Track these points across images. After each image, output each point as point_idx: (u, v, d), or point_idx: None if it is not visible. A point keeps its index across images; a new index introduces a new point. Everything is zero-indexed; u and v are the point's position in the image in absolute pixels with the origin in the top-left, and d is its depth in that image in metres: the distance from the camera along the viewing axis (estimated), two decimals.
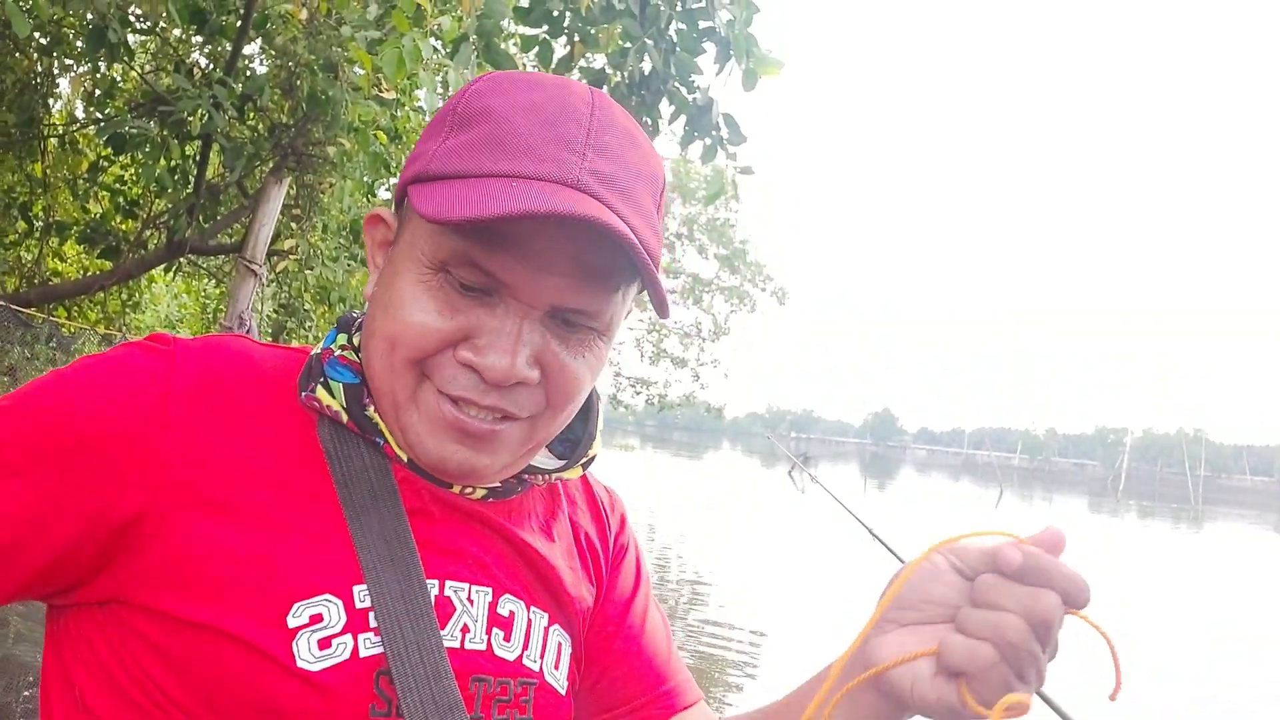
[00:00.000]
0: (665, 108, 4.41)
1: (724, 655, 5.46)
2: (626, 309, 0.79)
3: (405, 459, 0.80)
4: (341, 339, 0.84)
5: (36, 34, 5.40)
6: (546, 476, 0.88)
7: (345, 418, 0.79)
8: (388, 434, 0.79)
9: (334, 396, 0.79)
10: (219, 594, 0.70)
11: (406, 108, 4.21)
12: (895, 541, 2.64)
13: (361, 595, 0.74)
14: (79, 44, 5.19)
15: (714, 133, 4.40)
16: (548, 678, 0.84)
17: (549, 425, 0.79)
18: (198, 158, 5.24)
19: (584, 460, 0.91)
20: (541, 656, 0.84)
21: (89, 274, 6.87)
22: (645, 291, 0.79)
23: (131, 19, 5.08)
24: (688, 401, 28.23)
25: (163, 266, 5.99)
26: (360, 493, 0.77)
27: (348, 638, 0.72)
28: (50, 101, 6.16)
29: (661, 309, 0.74)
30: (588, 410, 0.91)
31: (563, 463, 0.90)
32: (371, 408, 0.79)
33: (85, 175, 6.82)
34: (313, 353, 0.84)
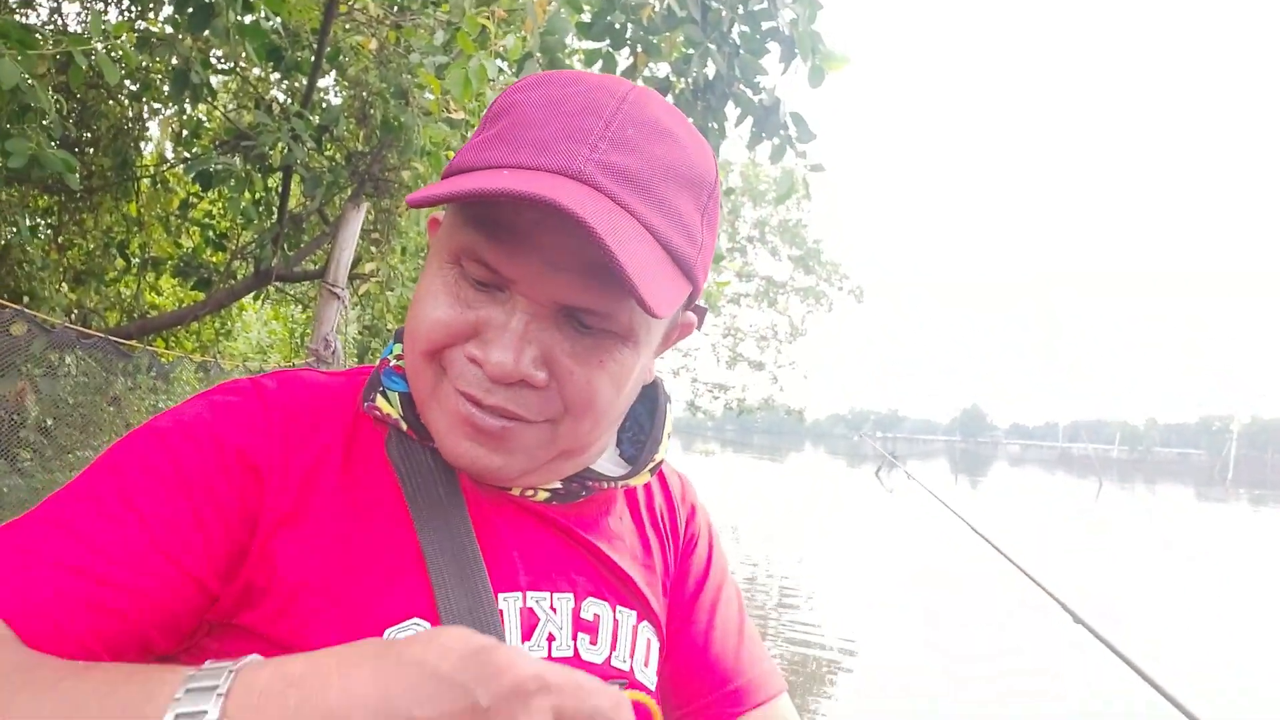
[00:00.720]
0: (731, 110, 4.38)
1: (816, 658, 5.37)
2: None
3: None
4: (398, 349, 0.82)
5: (126, 81, 5.68)
6: (612, 483, 0.85)
7: (404, 425, 0.78)
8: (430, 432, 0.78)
9: (392, 405, 0.79)
10: (317, 628, 0.70)
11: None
12: (992, 533, 2.54)
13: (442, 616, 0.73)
14: (165, 88, 5.43)
15: (782, 132, 4.34)
16: (638, 676, 0.83)
17: (573, 432, 0.75)
18: (280, 189, 5.43)
19: (650, 466, 0.88)
20: (631, 656, 0.83)
21: (184, 305, 7.18)
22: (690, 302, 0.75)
23: (213, 61, 5.29)
24: (767, 405, 27.97)
25: (252, 295, 6.22)
26: (430, 507, 0.76)
27: None
28: (141, 144, 6.46)
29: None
30: (654, 411, 0.88)
31: (628, 469, 0.87)
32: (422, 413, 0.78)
33: (177, 212, 7.14)
34: (375, 367, 0.83)
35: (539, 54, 3.66)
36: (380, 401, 0.79)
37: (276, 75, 5.67)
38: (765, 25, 4.20)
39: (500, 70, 3.80)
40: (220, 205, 7.15)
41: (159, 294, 8.21)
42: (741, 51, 4.22)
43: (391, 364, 0.81)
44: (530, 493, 0.81)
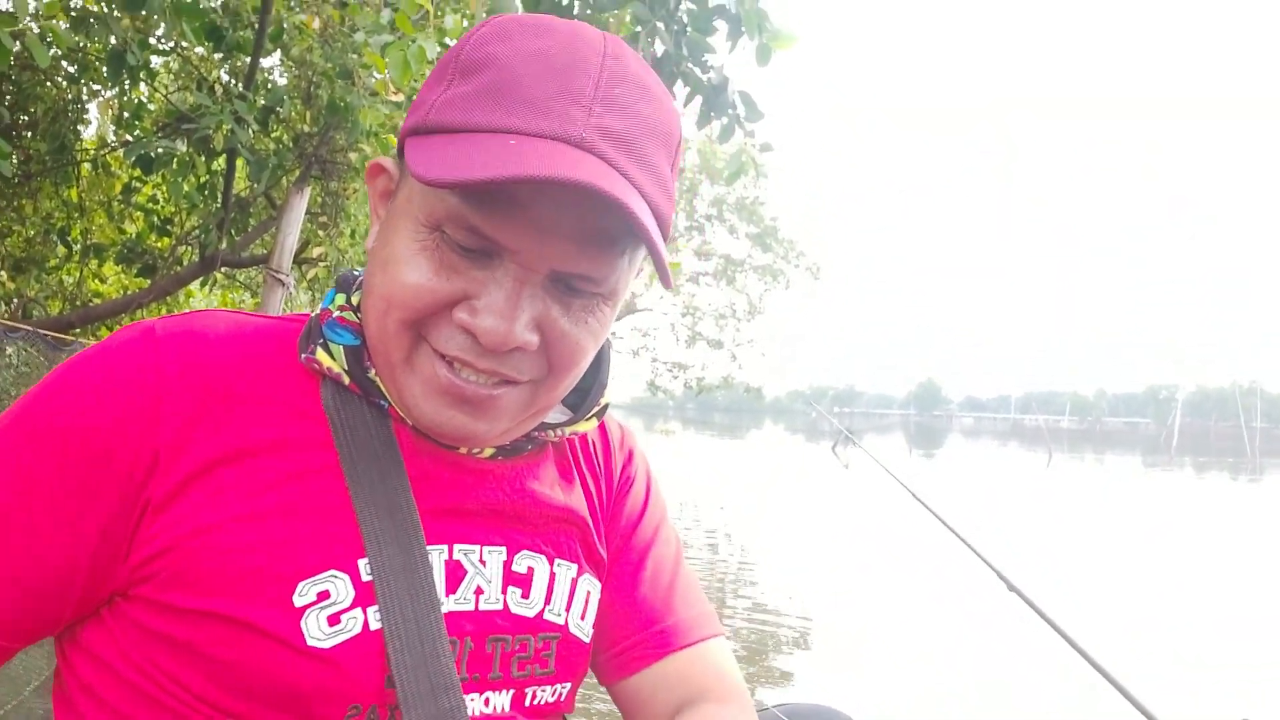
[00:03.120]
0: (680, 89, 4.39)
1: (775, 633, 5.46)
2: (634, 272, 0.75)
3: (410, 420, 0.77)
4: (340, 299, 0.81)
5: (64, 62, 5.52)
6: (558, 431, 0.85)
7: (347, 380, 0.76)
8: (390, 396, 0.77)
9: (334, 358, 0.77)
10: (224, 580, 0.69)
11: None
12: (940, 506, 2.60)
13: (367, 569, 0.72)
14: (104, 69, 5.29)
15: (730, 111, 4.36)
16: (573, 629, 0.82)
17: (552, 391, 0.76)
18: (225, 172, 5.34)
19: (595, 411, 0.88)
20: (568, 609, 0.82)
21: (128, 293, 7.03)
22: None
23: (152, 41, 5.17)
24: (726, 383, 28.14)
25: (199, 281, 6.11)
26: (364, 461, 0.74)
27: (357, 612, 0.71)
28: (81, 127, 6.29)
29: (664, 278, 0.69)
30: (599, 359, 0.87)
31: (572, 415, 0.86)
32: (373, 370, 0.77)
33: (119, 197, 6.97)
34: (312, 315, 0.81)
35: None
36: (321, 354, 0.77)
37: (219, 55, 5.56)
38: (712, 3, 4.21)
39: (441, 49, 3.77)
40: (164, 190, 7.00)
41: (102, 281, 8.02)
42: (689, 29, 4.22)
43: (335, 315, 0.79)
44: (476, 450, 0.80)
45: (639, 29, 4.17)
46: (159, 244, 6.74)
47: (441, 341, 0.71)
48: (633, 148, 0.69)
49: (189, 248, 6.31)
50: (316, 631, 0.69)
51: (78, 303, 6.84)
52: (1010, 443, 46.78)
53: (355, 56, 4.48)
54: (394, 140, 4.39)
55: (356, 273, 0.83)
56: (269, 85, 5.41)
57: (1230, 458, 37.17)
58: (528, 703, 0.79)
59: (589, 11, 4.22)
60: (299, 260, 5.85)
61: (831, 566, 8.03)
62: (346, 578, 0.71)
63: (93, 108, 6.54)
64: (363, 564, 0.72)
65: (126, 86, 5.57)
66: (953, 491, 15.85)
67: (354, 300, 0.80)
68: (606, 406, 0.89)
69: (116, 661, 0.72)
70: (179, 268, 6.11)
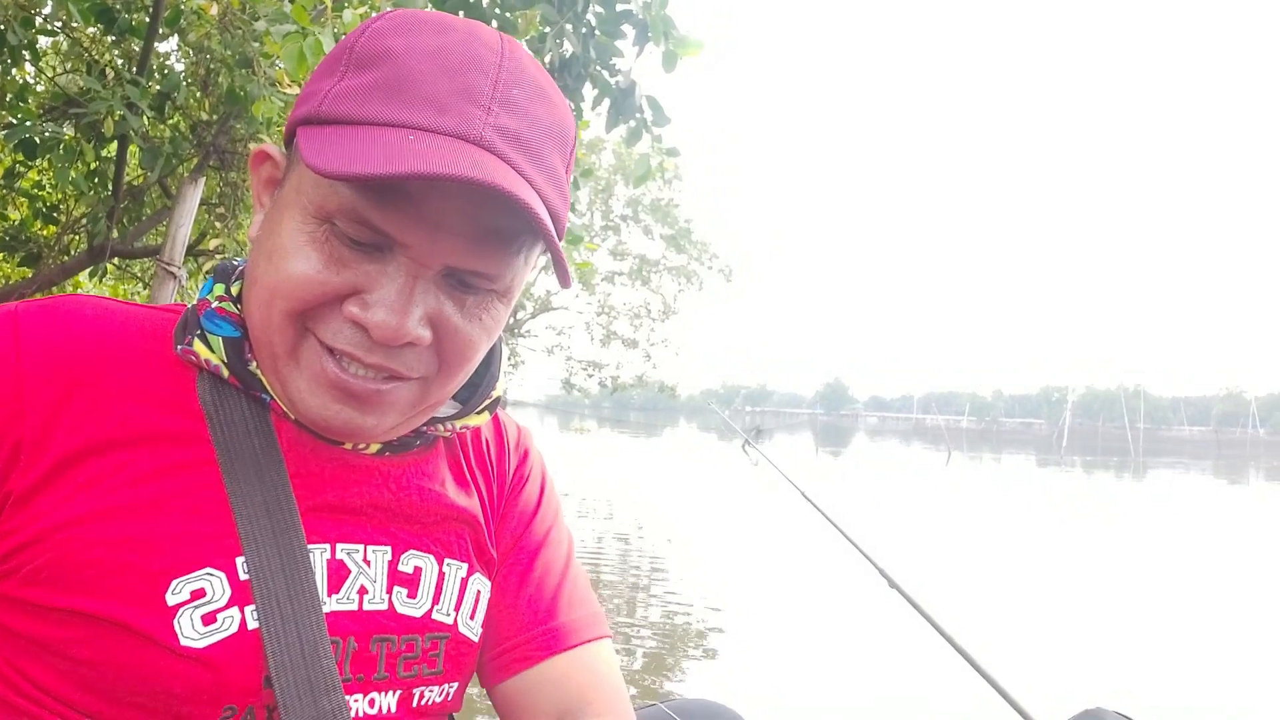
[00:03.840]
0: (589, 91, 4.42)
1: (685, 628, 5.56)
2: (529, 270, 0.75)
3: (293, 415, 0.75)
4: (219, 289, 0.78)
5: None
6: (449, 425, 0.83)
7: (226, 372, 0.74)
8: (272, 390, 0.75)
9: (213, 350, 0.74)
10: (91, 577, 0.66)
11: None
12: (829, 506, 2.70)
13: (245, 567, 0.70)
14: None
15: (638, 115, 4.42)
16: (462, 629, 0.81)
17: (443, 387, 0.75)
18: (116, 160, 5.13)
19: (486, 404, 0.87)
20: (457, 609, 0.81)
21: (10, 282, 6.69)
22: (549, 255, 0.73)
23: (38, 20, 4.94)
24: (640, 382, 28.27)
25: (87, 271, 5.85)
26: (241, 456, 0.72)
27: (234, 611, 0.69)
28: None
29: (563, 277, 0.69)
30: (490, 353, 0.86)
31: (461, 409, 0.85)
32: (254, 363, 0.75)
33: (2, 181, 6.62)
34: (189, 306, 0.79)
35: None
36: (199, 345, 0.74)
37: (111, 39, 5.34)
38: (620, 7, 4.25)
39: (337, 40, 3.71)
40: (50, 175, 6.67)
41: None
42: (597, 32, 4.26)
43: (213, 305, 0.77)
44: (362, 446, 0.78)
45: (547, 29, 4.19)
46: (45, 232, 6.43)
47: (329, 335, 0.70)
48: (529, 148, 0.70)
49: (77, 236, 6.04)
50: (190, 631, 0.67)
51: None
52: (913, 442, 48.27)
53: (256, 45, 4.37)
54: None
55: (236, 262, 0.81)
56: (165, 70, 5.22)
57: (1116, 456, 39.15)
58: (415, 703, 0.78)
59: (498, 10, 4.22)
60: (195, 252, 5.66)
61: (732, 562, 8.19)
62: (223, 575, 0.69)
63: None
64: (240, 562, 0.70)
65: (9, 65, 5.30)
66: (853, 490, 16.31)
67: (234, 291, 0.78)
68: (498, 400, 0.88)
69: None
70: (66, 257, 5.84)
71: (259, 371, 0.75)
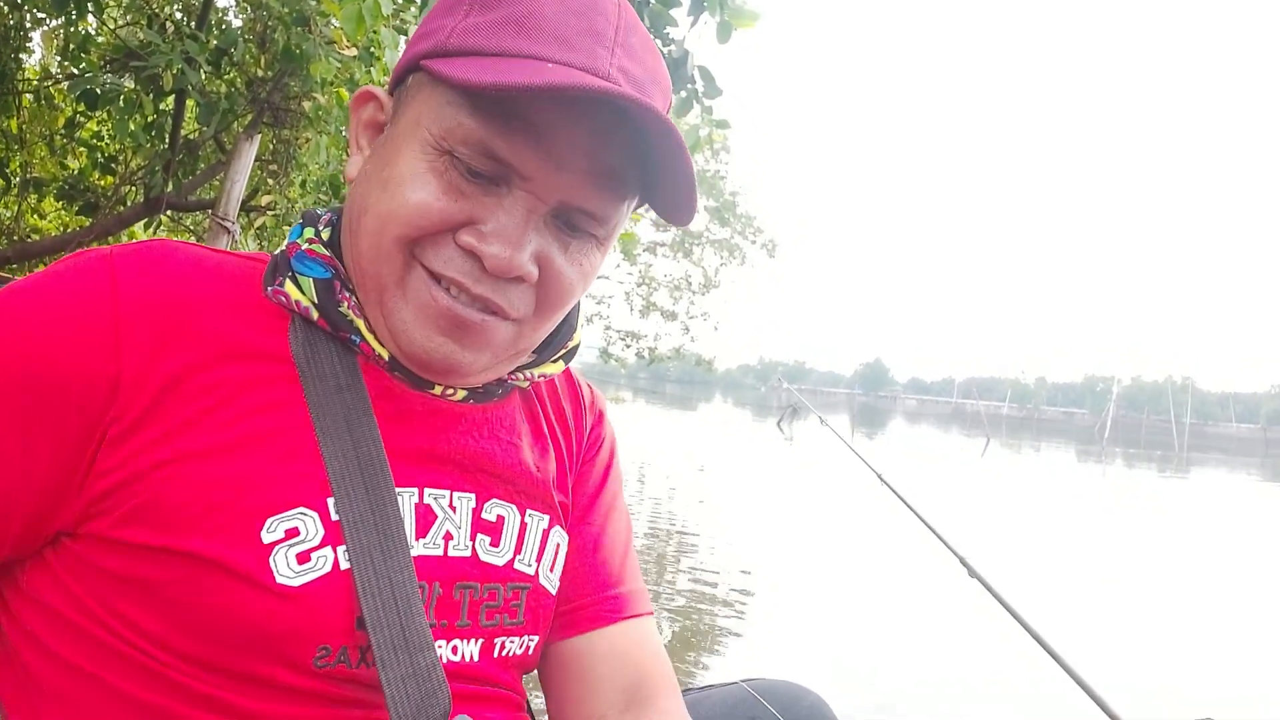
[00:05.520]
0: None
1: (713, 595, 5.59)
2: (627, 221, 0.76)
3: (385, 357, 0.75)
4: (309, 233, 0.78)
5: None
6: (528, 373, 0.84)
7: (316, 314, 0.74)
8: (364, 331, 0.75)
9: (303, 292, 0.74)
10: (187, 516, 0.66)
11: (373, 68, 4.17)
12: (903, 488, 2.60)
13: (335, 508, 0.70)
14: None
15: (689, 85, 4.38)
16: (542, 580, 0.82)
17: (535, 330, 0.76)
18: (173, 113, 5.21)
19: (564, 352, 0.87)
20: (538, 560, 0.81)
21: (69, 230, 6.85)
22: (646, 206, 0.76)
23: None
24: (678, 354, 28.25)
25: (142, 223, 5.98)
26: (330, 399, 0.72)
27: (327, 550, 0.69)
28: (23, 56, 6.08)
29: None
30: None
31: (535, 358, 0.85)
32: (346, 304, 0.75)
33: (62, 131, 6.76)
34: (278, 251, 0.79)
35: None
36: (289, 287, 0.75)
37: None
38: None
39: (396, 3, 3.72)
40: (109, 126, 6.80)
41: (42, 217, 7.78)
42: (652, 1, 4.22)
43: (303, 248, 0.77)
44: (450, 391, 0.79)
45: None
46: (102, 182, 6.57)
47: (439, 263, 0.70)
48: (646, 93, 0.71)
49: (134, 188, 6.16)
50: (285, 569, 0.67)
51: (15, 238, 6.65)
52: (951, 428, 47.77)
53: (313, 3, 4.40)
54: (343, 94, 4.31)
55: (322, 210, 0.82)
56: (223, 26, 5.28)
57: (1159, 451, 38.44)
58: (496, 653, 0.78)
59: None
60: (247, 208, 5.75)
61: (776, 537, 8.20)
62: (315, 515, 0.69)
63: (36, 36, 6.32)
64: (330, 503, 0.70)
65: (73, 17, 5.39)
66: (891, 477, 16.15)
67: (323, 235, 0.79)
68: (575, 349, 0.89)
69: (63, 606, 0.69)
70: (122, 208, 5.96)
71: (350, 312, 0.75)
